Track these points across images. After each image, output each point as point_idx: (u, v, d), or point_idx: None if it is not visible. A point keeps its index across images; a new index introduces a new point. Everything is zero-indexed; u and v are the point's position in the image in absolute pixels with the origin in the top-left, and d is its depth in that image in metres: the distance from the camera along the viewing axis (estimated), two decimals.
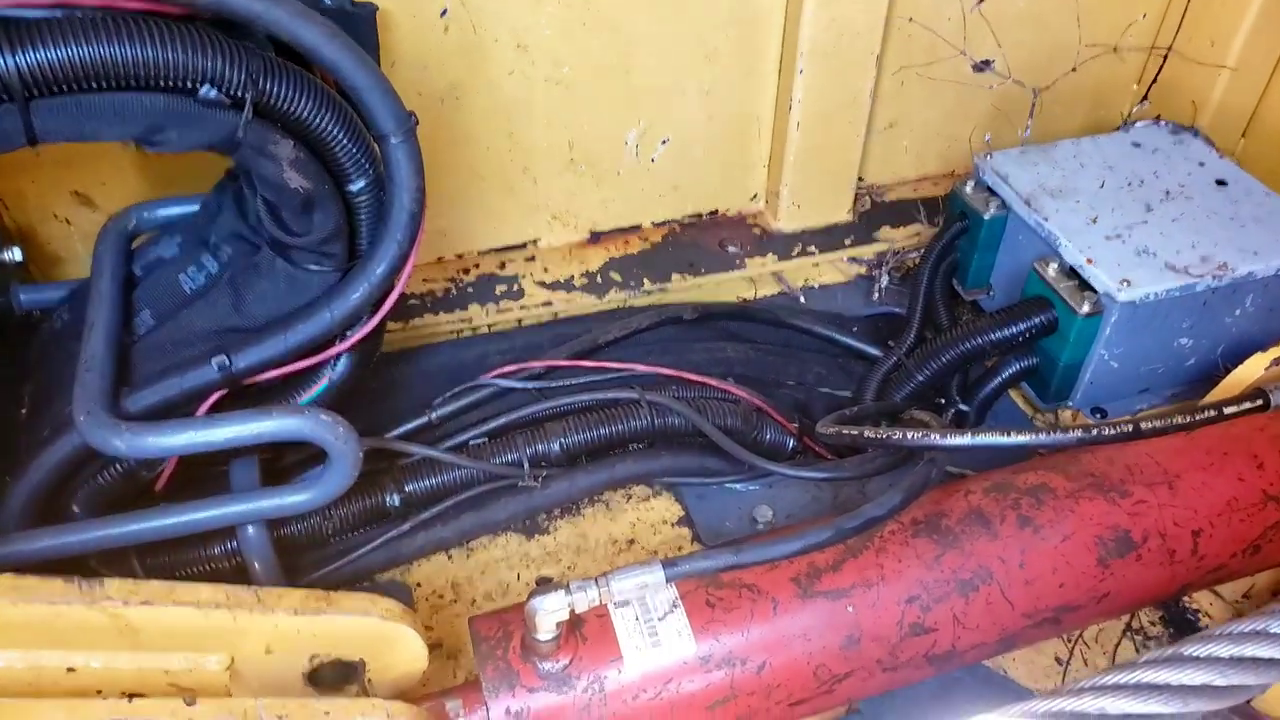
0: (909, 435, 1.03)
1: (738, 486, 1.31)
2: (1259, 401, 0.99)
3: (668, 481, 1.31)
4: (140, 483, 1.09)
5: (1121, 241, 1.29)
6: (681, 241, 1.62)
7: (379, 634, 0.91)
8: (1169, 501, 1.00)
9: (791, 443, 1.35)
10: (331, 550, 1.15)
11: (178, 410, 1.03)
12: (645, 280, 1.55)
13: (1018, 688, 1.06)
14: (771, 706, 0.95)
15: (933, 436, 1.02)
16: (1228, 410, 0.98)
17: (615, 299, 1.52)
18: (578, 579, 0.87)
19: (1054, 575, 0.98)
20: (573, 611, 0.85)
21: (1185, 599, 1.16)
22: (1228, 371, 1.31)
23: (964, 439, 1.01)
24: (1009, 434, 0.99)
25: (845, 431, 1.12)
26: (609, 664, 0.90)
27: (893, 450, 1.15)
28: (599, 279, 1.55)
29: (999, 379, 1.35)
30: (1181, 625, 1.11)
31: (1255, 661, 0.55)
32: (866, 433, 1.08)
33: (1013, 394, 1.41)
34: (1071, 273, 1.28)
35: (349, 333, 1.03)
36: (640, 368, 1.32)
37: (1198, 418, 0.98)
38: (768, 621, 0.94)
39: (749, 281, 1.60)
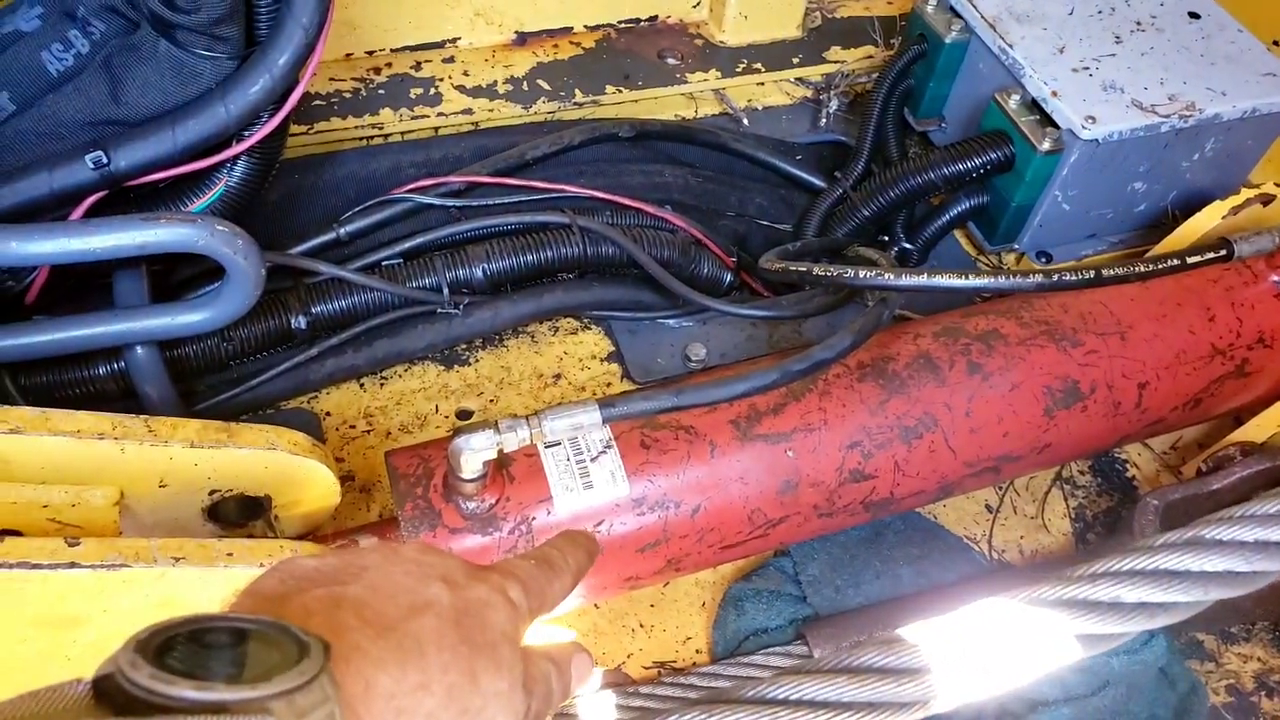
0: (860, 274, 0.97)
1: (670, 322, 1.24)
2: (1222, 251, 0.95)
3: (598, 315, 1.23)
4: (6, 294, 0.96)
5: (1089, 74, 1.21)
6: (617, 49, 1.47)
7: (286, 468, 0.83)
8: (1120, 352, 0.98)
9: (729, 278, 1.28)
10: (232, 375, 1.05)
11: (47, 213, 0.90)
12: (576, 91, 1.41)
13: (947, 534, 1.06)
14: (703, 550, 0.92)
15: (885, 276, 0.96)
16: (1191, 259, 0.94)
17: (543, 110, 1.38)
18: (505, 416, 0.80)
19: (999, 425, 0.95)
20: (501, 451, 0.79)
21: (1115, 449, 1.16)
22: (1177, 220, 1.27)
23: (918, 279, 0.95)
24: (966, 276, 0.94)
25: (792, 268, 1.05)
26: (537, 505, 0.85)
27: (839, 289, 1.09)
28: (525, 86, 1.40)
29: (947, 217, 1.29)
30: (1109, 475, 1.12)
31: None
32: (815, 270, 1.02)
33: (956, 234, 1.36)
34: (1034, 106, 1.20)
35: (247, 132, 0.90)
36: (572, 189, 1.21)
37: (1159, 266, 0.94)
38: (704, 464, 0.89)
39: (689, 99, 1.47)
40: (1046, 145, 1.16)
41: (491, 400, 1.14)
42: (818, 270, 1.01)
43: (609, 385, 1.18)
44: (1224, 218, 1.12)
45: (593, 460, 0.87)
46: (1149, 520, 0.96)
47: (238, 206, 0.94)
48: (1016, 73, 1.22)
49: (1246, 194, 1.13)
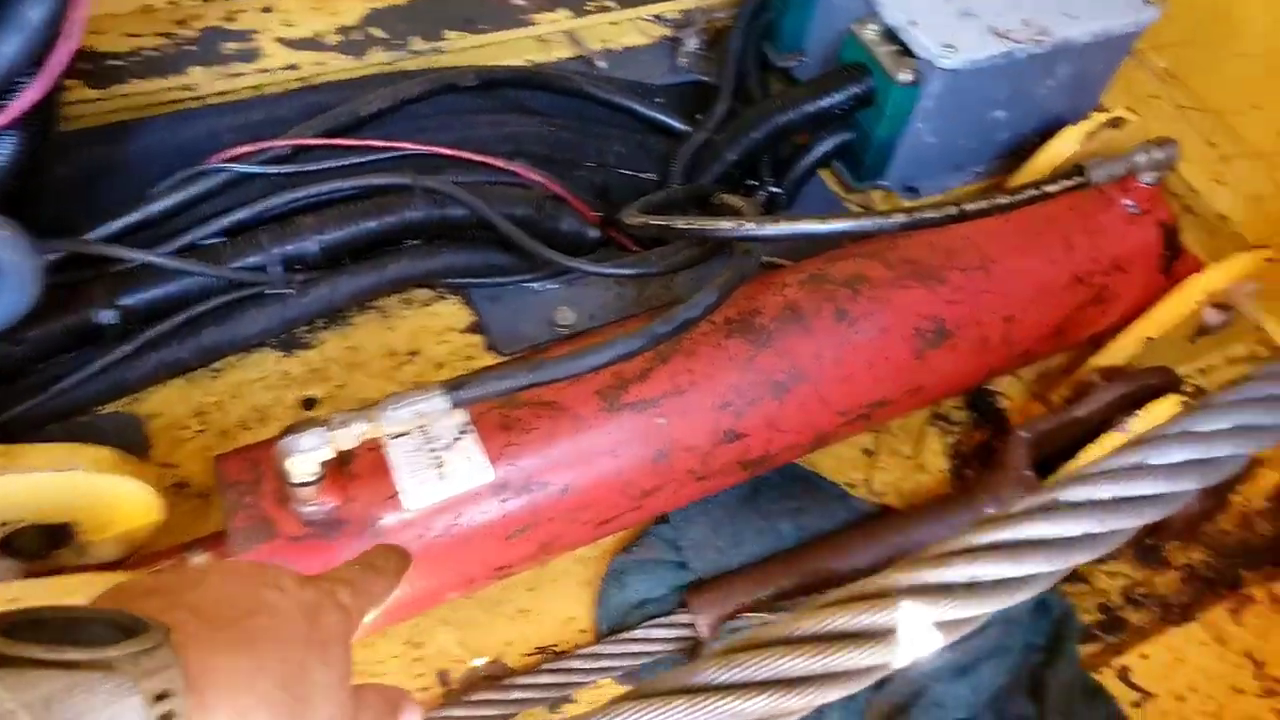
0: (723, 226, 0.92)
1: (534, 286, 1.17)
2: (1078, 179, 0.94)
3: (453, 283, 1.15)
4: None
5: (945, 2, 1.18)
6: None
7: (91, 489, 0.74)
8: (985, 287, 0.96)
9: (592, 233, 1.21)
10: (33, 381, 0.93)
11: None
12: (414, 38, 1.31)
13: (825, 483, 1.04)
14: (577, 529, 0.87)
15: (747, 226, 0.91)
16: (1050, 189, 0.93)
17: (377, 62, 1.27)
18: (347, 409, 0.72)
19: (869, 371, 0.92)
20: (338, 449, 0.71)
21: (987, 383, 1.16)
22: (1035, 145, 1.27)
23: (781, 227, 0.91)
24: (828, 221, 0.90)
25: (654, 222, 0.99)
26: (386, 502, 0.78)
27: (704, 241, 1.04)
28: (356, 36, 1.29)
29: (812, 157, 1.25)
30: (982, 409, 1.12)
31: (1136, 500, 0.49)
32: (677, 223, 0.96)
33: (823, 173, 1.32)
34: (891, 36, 1.16)
35: (5, 101, 0.77)
36: (412, 147, 1.12)
37: (1019, 198, 0.92)
38: (571, 440, 0.83)
39: (539, 42, 1.38)
40: (905, 76, 1.13)
41: (340, 385, 1.05)
42: (680, 224, 0.96)
43: (470, 358, 1.10)
44: (1079, 143, 1.12)
45: (447, 448, 0.81)
46: (1020, 454, 0.96)
47: (10, 187, 0.82)
48: (872, 2, 1.18)
49: (1098, 119, 1.13)
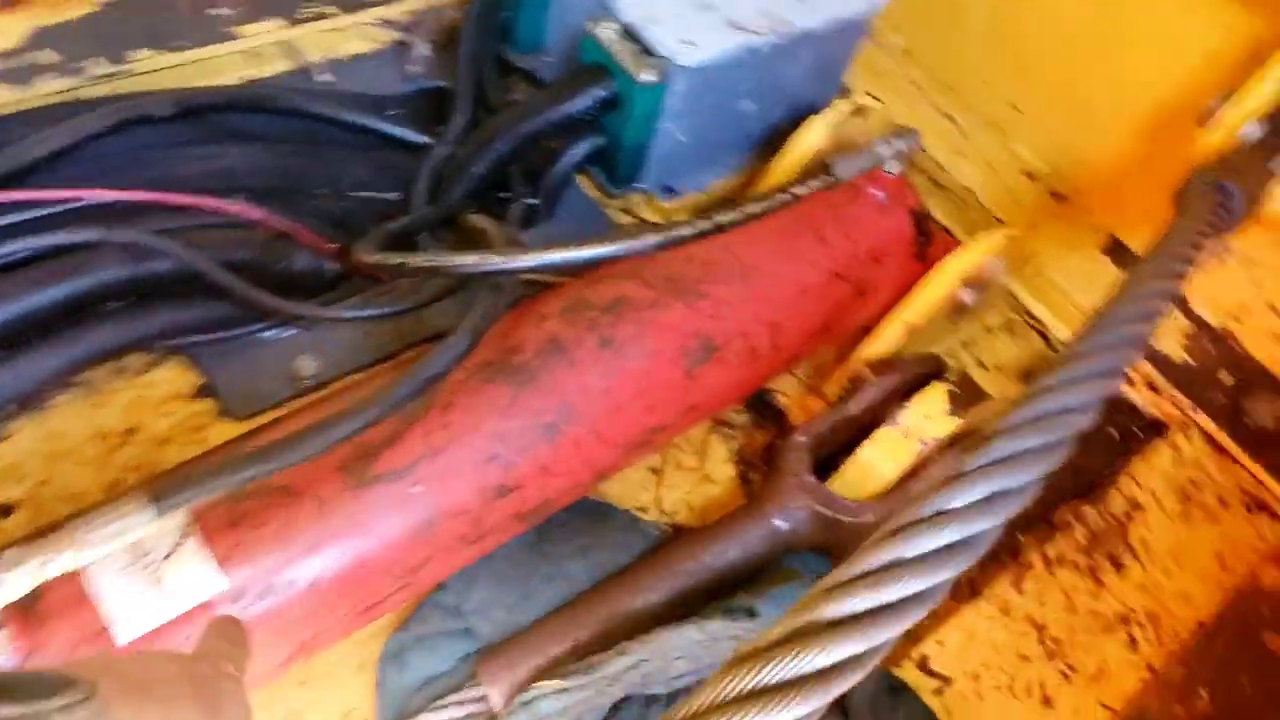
0: (466, 261, 0.84)
1: (268, 335, 1.04)
2: (826, 178, 0.92)
3: (173, 344, 1.00)
4: None
5: None
6: (140, 1, 1.20)
7: None
8: (747, 297, 0.93)
9: (331, 269, 1.10)
10: None
11: None
12: (94, 60, 1.13)
13: (614, 511, 0.98)
14: (339, 622, 0.77)
15: (493, 260, 0.83)
16: (799, 191, 0.91)
17: (50, 91, 1.09)
18: (11, 547, 0.59)
19: (641, 398, 0.87)
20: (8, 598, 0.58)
21: None
22: (784, 135, 1.26)
23: (529, 259, 0.84)
24: (579, 248, 0.84)
25: (389, 261, 0.89)
26: (92, 638, 0.65)
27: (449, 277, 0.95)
28: (20, 61, 1.10)
29: (564, 166, 1.18)
30: (760, 409, 1.10)
31: (894, 608, 0.45)
32: (414, 260, 0.87)
33: (581, 179, 1.26)
34: (630, 34, 1.11)
35: None
36: (98, 194, 0.96)
37: (771, 203, 0.89)
38: (314, 527, 0.73)
39: (249, 57, 1.24)
40: (648, 77, 1.08)
41: (42, 483, 0.89)
42: (416, 262, 0.87)
43: (201, 429, 0.97)
44: (825, 134, 1.11)
45: (166, 558, 0.69)
46: (799, 458, 0.94)
47: None
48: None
49: (841, 108, 1.12)
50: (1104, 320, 0.63)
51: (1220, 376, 1.16)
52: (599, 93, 1.12)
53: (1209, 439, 1.12)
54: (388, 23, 1.34)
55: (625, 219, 1.23)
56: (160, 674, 0.51)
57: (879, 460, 0.92)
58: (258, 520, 0.72)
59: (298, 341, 1.04)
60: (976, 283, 1.06)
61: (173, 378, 0.99)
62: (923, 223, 1.06)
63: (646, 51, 1.10)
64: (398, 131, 1.23)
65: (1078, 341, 0.61)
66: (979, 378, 0.98)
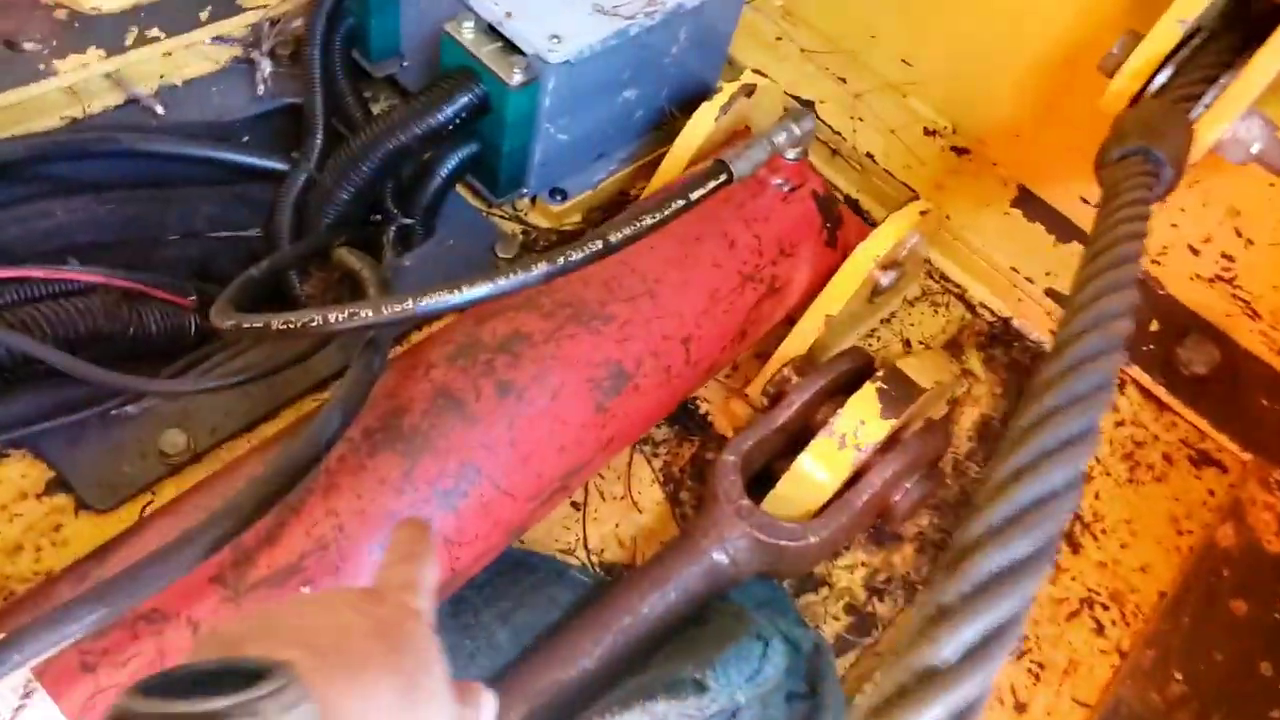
0: (331, 319, 0.74)
1: (129, 410, 0.92)
2: (723, 177, 0.84)
3: (12, 438, 0.88)
4: None
5: None
6: None
7: None
8: (655, 314, 0.85)
9: (195, 323, 0.98)
10: None
11: None
12: None
13: (536, 560, 0.90)
14: None
15: (364, 314, 0.73)
16: (696, 195, 0.82)
17: None
18: None
19: (552, 442, 0.79)
20: None
21: None
22: (675, 117, 1.18)
23: (407, 307, 0.74)
24: (462, 289, 0.74)
25: (247, 325, 0.79)
26: None
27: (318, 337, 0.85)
28: None
29: (437, 180, 1.08)
30: (684, 420, 1.02)
31: None
32: (275, 323, 0.76)
33: (462, 190, 1.16)
34: (492, 32, 1.01)
35: None
36: None
37: (668, 212, 0.81)
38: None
39: (69, 94, 1.10)
40: (518, 78, 0.98)
41: None
42: (278, 324, 0.76)
43: (60, 529, 0.85)
44: (716, 119, 1.04)
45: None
46: (731, 481, 0.87)
47: None
48: None
49: (729, 90, 1.05)
50: (1078, 340, 0.56)
51: (1150, 324, 1.13)
52: (467, 98, 1.02)
53: (1145, 393, 1.09)
54: (225, 40, 1.21)
55: (513, 227, 1.14)
56: (347, 630, 0.48)
57: (816, 473, 0.85)
58: (119, 658, 0.62)
59: (160, 414, 0.92)
60: (893, 263, 1.00)
61: (18, 475, 0.87)
62: (830, 208, 0.99)
63: (512, 49, 1.00)
64: (250, 159, 1.11)
65: (1058, 374, 0.55)
66: (905, 360, 0.92)
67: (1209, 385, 1.08)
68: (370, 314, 0.73)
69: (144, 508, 0.88)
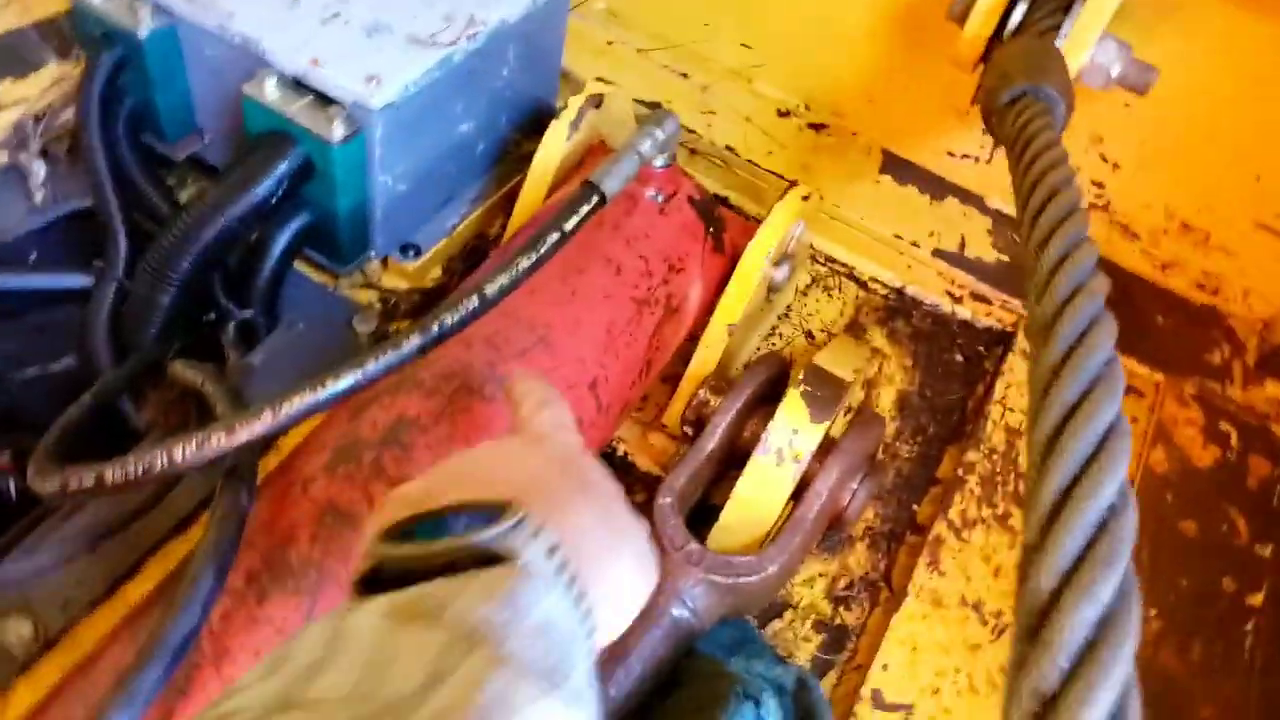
0: (178, 454, 0.61)
1: None
2: (595, 199, 0.76)
3: None
4: None
5: (343, 22, 0.93)
6: None
7: None
8: (552, 364, 0.76)
9: (11, 484, 0.83)
10: None
11: None
12: None
13: None
14: None
15: (214, 439, 0.61)
16: (570, 225, 0.74)
17: None
18: None
19: None
20: None
21: None
22: (520, 145, 1.09)
23: (263, 419, 0.62)
24: (325, 384, 0.64)
25: (75, 486, 0.65)
26: None
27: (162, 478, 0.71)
28: None
29: (272, 260, 0.96)
30: (613, 461, 0.93)
31: None
32: (109, 475, 0.63)
33: (303, 266, 1.03)
34: (299, 86, 0.90)
35: None
36: None
37: (544, 250, 0.72)
38: None
39: None
40: (339, 132, 0.87)
41: None
42: (115, 476, 0.63)
43: None
44: (568, 138, 0.95)
45: None
46: (672, 523, 0.79)
47: None
48: (255, 50, 0.90)
49: (576, 104, 0.97)
50: (1064, 316, 0.51)
51: None
52: (285, 165, 0.90)
53: None
54: None
55: (368, 296, 1.03)
56: (533, 471, 0.50)
57: (759, 497, 0.78)
58: None
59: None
60: (783, 257, 0.94)
61: None
62: (709, 211, 0.92)
63: (326, 101, 0.89)
64: (43, 282, 0.96)
65: (1058, 360, 0.49)
66: (821, 356, 0.87)
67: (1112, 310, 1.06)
68: (223, 438, 0.61)
69: None
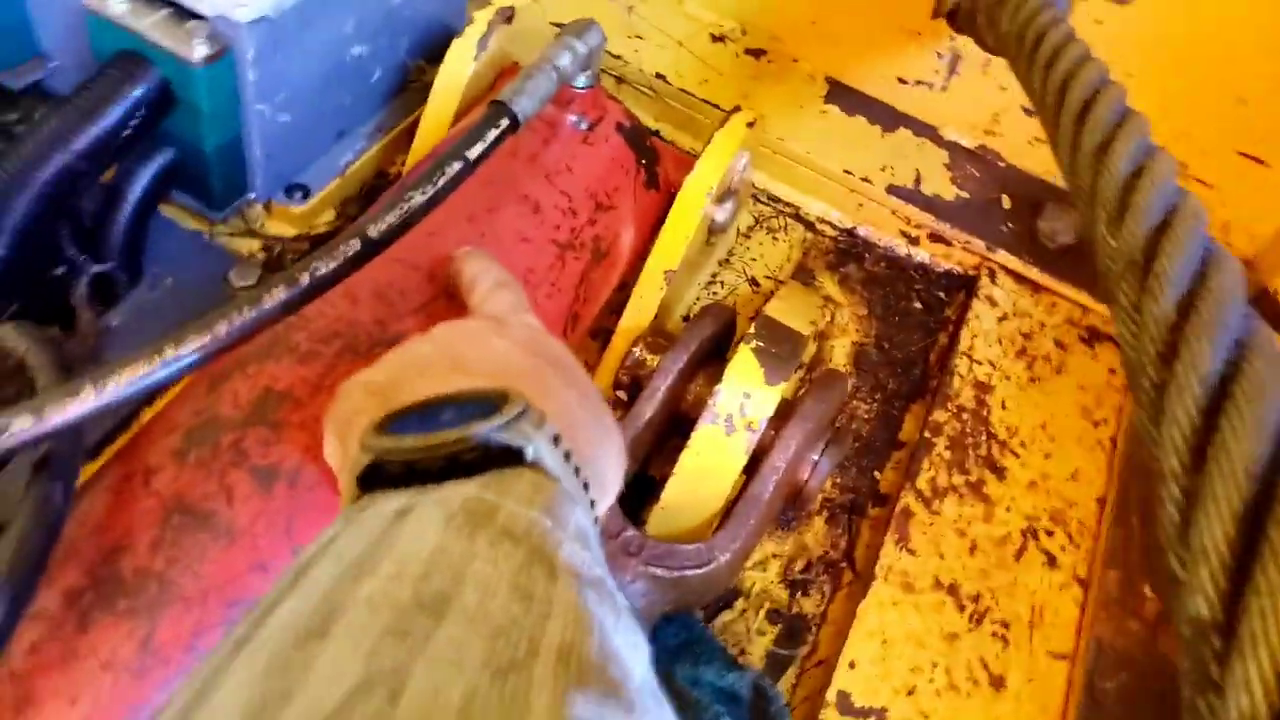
0: None
1: None
2: (505, 122, 0.63)
3: None
4: None
5: None
6: None
7: None
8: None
9: None
10: None
11: None
12: None
13: None
14: None
15: (17, 423, 0.48)
16: (476, 153, 0.61)
17: None
18: None
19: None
20: None
21: None
22: (425, 71, 0.96)
23: (83, 398, 0.49)
24: (164, 352, 0.51)
25: None
26: None
27: None
28: None
29: (129, 205, 0.81)
30: None
31: None
32: None
33: (170, 212, 0.89)
34: (151, 0, 0.75)
35: None
36: None
37: (443, 182, 0.59)
38: None
39: None
40: (201, 50, 0.73)
41: None
42: None
43: None
44: (475, 56, 0.82)
45: None
46: (609, 511, 0.67)
47: None
48: None
49: (484, 18, 0.83)
50: (1137, 208, 0.40)
51: (1001, 202, 1.02)
52: (139, 91, 0.75)
53: (1017, 278, 0.98)
54: None
55: (249, 245, 0.89)
56: (507, 356, 0.48)
57: (706, 470, 0.67)
58: None
59: None
60: (726, 193, 0.82)
61: None
62: (640, 140, 0.80)
63: (185, 14, 0.74)
64: None
65: (1131, 250, 0.38)
66: (772, 306, 0.76)
67: (1079, 254, 0.98)
68: (30, 422, 0.48)
69: None
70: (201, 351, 0.52)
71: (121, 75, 0.75)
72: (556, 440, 0.39)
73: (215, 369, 0.60)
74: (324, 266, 0.54)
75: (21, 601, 0.45)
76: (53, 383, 0.59)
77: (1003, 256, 0.98)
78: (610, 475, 0.47)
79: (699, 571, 0.64)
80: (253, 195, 0.88)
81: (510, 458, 0.37)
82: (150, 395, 0.58)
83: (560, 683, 0.26)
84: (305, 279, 0.54)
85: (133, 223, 0.83)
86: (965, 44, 1.00)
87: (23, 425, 0.48)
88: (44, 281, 0.82)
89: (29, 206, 0.76)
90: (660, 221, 0.78)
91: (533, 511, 0.33)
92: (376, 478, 0.38)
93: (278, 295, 0.53)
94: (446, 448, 0.37)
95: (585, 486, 0.42)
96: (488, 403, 0.39)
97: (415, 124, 0.88)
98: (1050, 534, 0.78)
